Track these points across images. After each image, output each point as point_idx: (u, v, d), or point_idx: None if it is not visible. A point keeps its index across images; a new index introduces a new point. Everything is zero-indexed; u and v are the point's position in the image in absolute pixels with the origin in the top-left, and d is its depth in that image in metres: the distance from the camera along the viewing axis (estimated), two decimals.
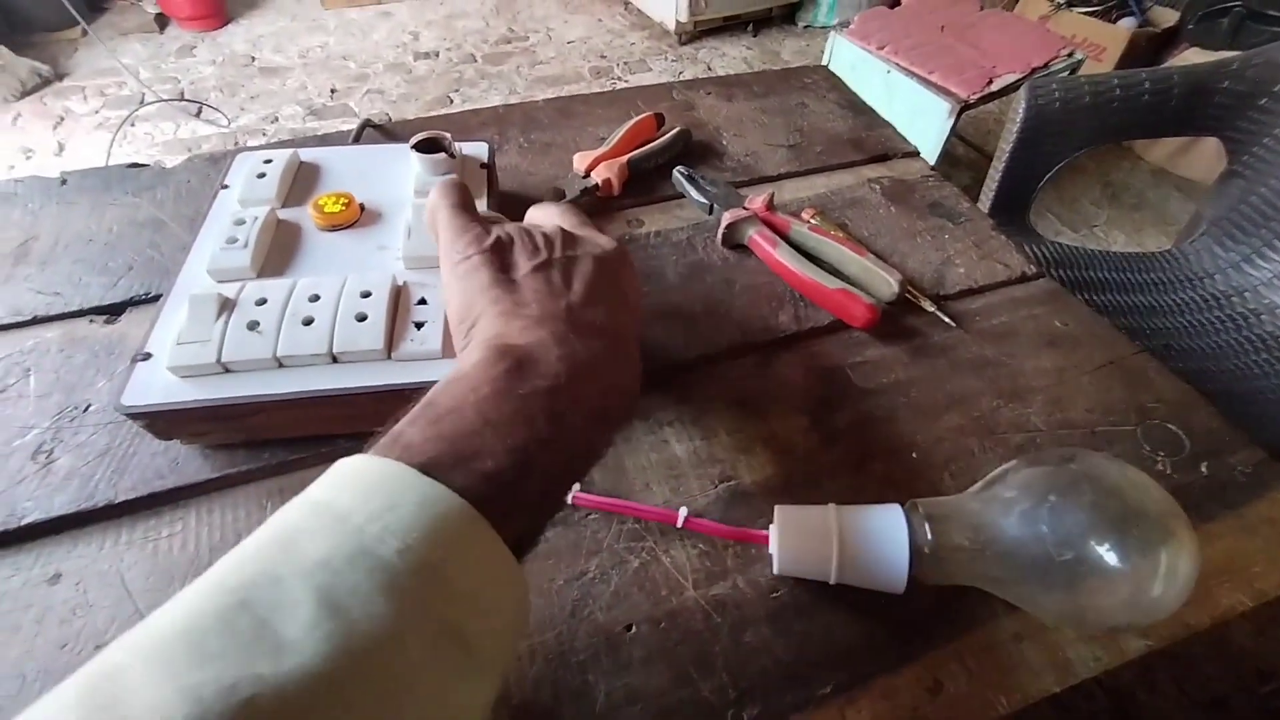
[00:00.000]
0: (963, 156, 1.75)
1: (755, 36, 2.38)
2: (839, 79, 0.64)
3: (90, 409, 0.35)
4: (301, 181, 0.41)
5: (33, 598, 0.29)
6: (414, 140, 0.40)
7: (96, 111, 1.87)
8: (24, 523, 0.30)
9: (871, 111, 0.60)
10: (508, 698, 0.26)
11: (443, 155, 0.40)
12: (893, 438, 0.36)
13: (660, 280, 0.43)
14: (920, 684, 0.27)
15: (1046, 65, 1.25)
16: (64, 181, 0.48)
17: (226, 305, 0.32)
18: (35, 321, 0.39)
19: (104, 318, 0.40)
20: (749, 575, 0.30)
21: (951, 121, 1.23)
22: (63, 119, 1.83)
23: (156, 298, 0.40)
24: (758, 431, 0.36)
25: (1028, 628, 0.29)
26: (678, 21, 2.22)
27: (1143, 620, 0.26)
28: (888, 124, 0.59)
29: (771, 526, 0.29)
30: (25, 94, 1.86)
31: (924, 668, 0.28)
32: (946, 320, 0.42)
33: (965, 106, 1.22)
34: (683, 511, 0.31)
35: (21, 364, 0.37)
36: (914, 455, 0.35)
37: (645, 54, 2.26)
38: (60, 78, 1.97)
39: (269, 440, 0.33)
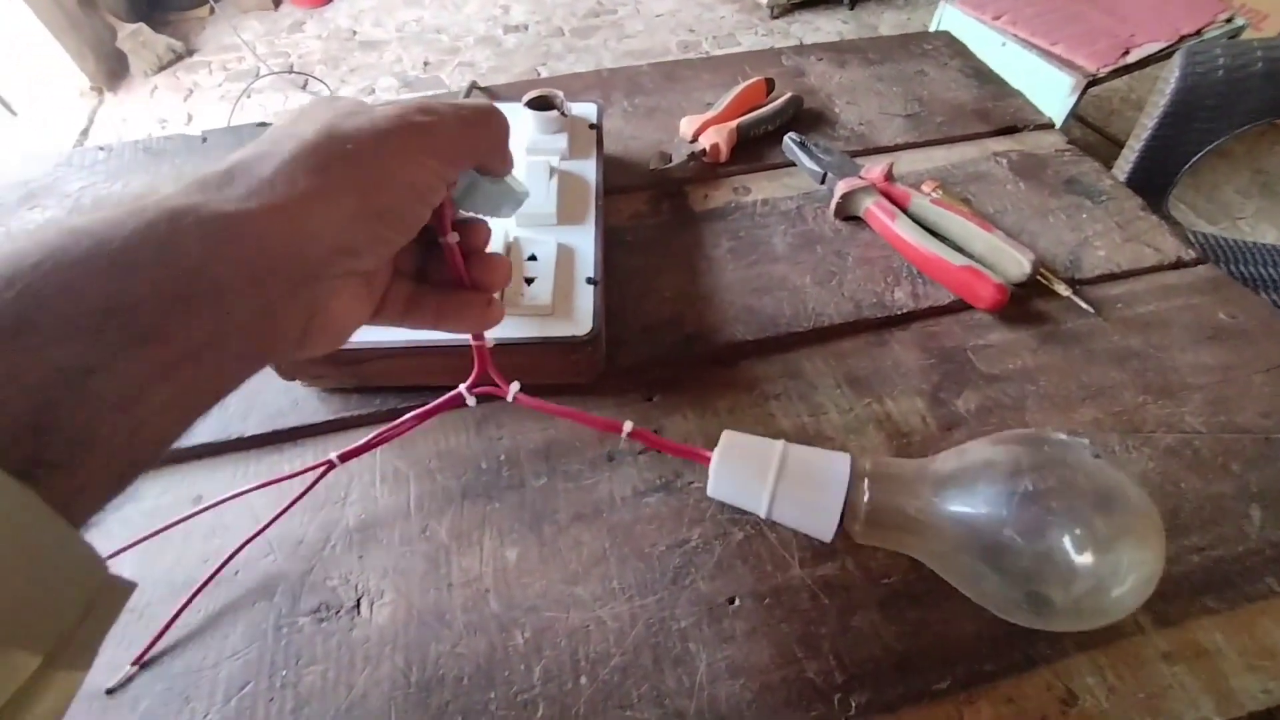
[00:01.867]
0: (1080, 140, 1.60)
1: (852, 10, 2.26)
2: (963, 45, 0.60)
3: None
4: None
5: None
6: (527, 98, 0.40)
7: (219, 84, 2.00)
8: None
9: (999, 80, 0.55)
10: (608, 656, 0.26)
11: (555, 113, 0.39)
12: (1020, 425, 0.33)
13: (768, 249, 0.42)
14: (1051, 692, 0.25)
15: (1199, 33, 1.11)
16: (205, 139, 0.51)
17: None
18: None
19: None
20: (859, 558, 0.29)
21: (1074, 98, 1.12)
22: (192, 91, 1.98)
23: None
24: (870, 412, 0.34)
25: (1182, 648, 0.26)
26: None
27: (1090, 622, 0.24)
28: (1017, 93, 0.54)
29: (716, 448, 0.28)
30: (161, 68, 2.02)
31: (1054, 675, 0.25)
32: (1084, 305, 0.38)
33: (1091, 81, 1.11)
34: (628, 424, 0.29)
35: None
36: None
37: (735, 28, 2.19)
38: (191, 53, 2.13)
39: (380, 387, 0.34)
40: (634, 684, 0.26)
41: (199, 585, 0.28)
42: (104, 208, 0.15)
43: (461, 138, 0.20)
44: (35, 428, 0.13)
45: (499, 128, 0.21)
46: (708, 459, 0.28)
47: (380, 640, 0.27)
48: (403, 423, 0.30)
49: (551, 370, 0.33)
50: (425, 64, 2.10)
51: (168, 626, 0.27)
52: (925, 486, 0.26)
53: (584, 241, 0.35)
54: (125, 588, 0.15)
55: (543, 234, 0.34)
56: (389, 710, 0.25)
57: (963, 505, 0.24)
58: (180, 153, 0.50)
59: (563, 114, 0.40)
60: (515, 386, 0.29)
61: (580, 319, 0.31)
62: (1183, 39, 1.12)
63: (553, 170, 0.37)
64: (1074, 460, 0.25)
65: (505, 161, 0.23)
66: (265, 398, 0.35)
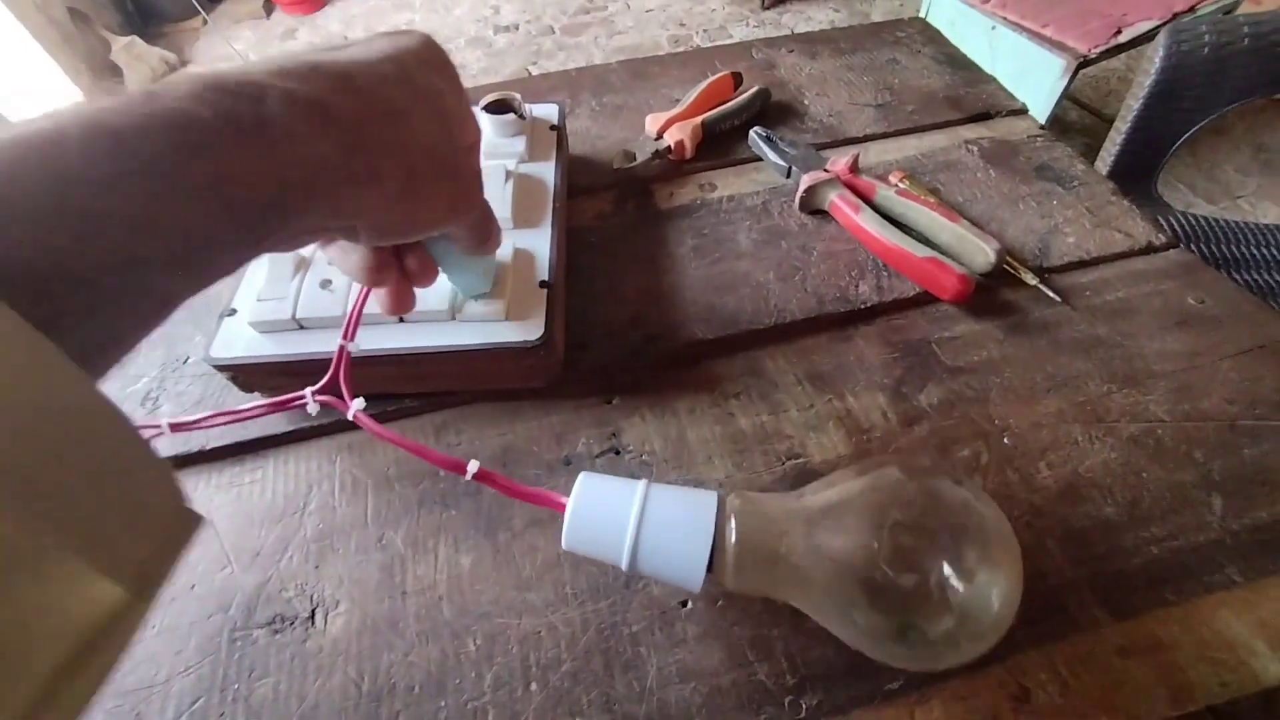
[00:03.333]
0: (1075, 122, 1.58)
1: None
2: (936, 31, 0.59)
3: (188, 361, 0.38)
4: None
5: None
6: (483, 101, 0.40)
7: None
8: None
9: (973, 66, 0.55)
10: (558, 661, 0.26)
11: (511, 116, 0.39)
12: (982, 420, 0.33)
13: (732, 246, 0.41)
14: (1003, 689, 0.25)
15: (1192, 9, 1.09)
16: None
17: (302, 264, 0.33)
18: None
19: None
20: None
21: (1065, 81, 1.11)
22: None
23: None
24: (830, 409, 0.34)
25: (1137, 641, 0.26)
26: None
27: (960, 654, 0.23)
28: (991, 79, 0.53)
29: (571, 494, 0.25)
30: (155, 81, 2.03)
31: (1007, 671, 0.25)
32: (1050, 295, 0.37)
33: (1083, 63, 1.09)
34: (473, 465, 0.25)
35: None
36: (1006, 441, 0.32)
37: (726, 20, 2.18)
38: (184, 64, 2.14)
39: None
40: (584, 690, 0.26)
41: None
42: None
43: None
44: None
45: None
46: (561, 505, 0.25)
47: (333, 651, 0.27)
48: (243, 411, 0.30)
49: (507, 375, 0.33)
50: None
51: None
52: (795, 524, 0.24)
53: (541, 245, 0.35)
54: (197, 519, 0.15)
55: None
56: (340, 719, 0.25)
57: (831, 541, 0.23)
58: None
59: (520, 116, 0.39)
60: (359, 403, 0.27)
61: (531, 324, 0.31)
62: (1176, 16, 1.10)
63: (509, 174, 0.36)
64: (937, 490, 0.24)
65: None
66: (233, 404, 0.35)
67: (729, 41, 2.04)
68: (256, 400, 0.31)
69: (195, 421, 0.29)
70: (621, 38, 2.14)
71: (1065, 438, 0.32)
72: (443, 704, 0.25)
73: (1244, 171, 1.47)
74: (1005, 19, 1.18)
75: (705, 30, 2.14)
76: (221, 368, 0.32)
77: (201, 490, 0.32)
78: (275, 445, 0.34)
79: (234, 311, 0.33)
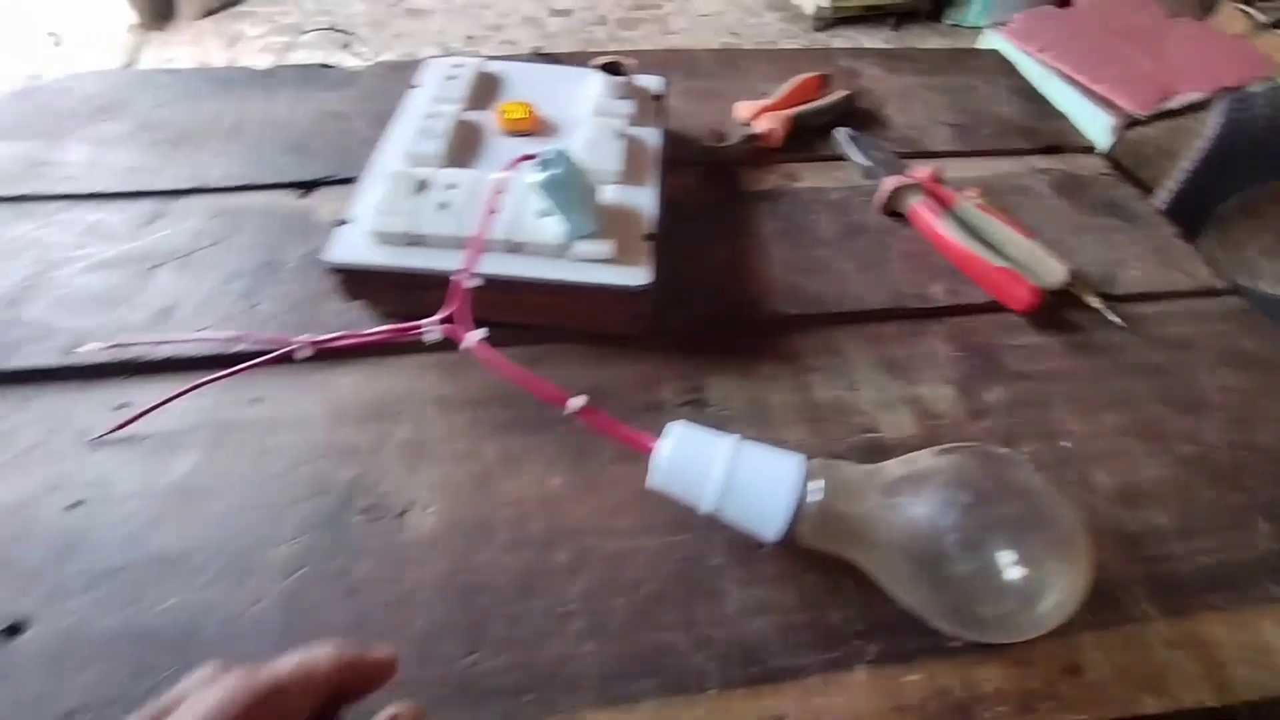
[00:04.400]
0: None
1: (896, 30, 2.27)
2: (1011, 65, 0.61)
3: (286, 267, 0.39)
4: (485, 89, 0.43)
5: (238, 414, 0.32)
6: (598, 61, 0.41)
7: (263, 36, 2.01)
8: (234, 351, 0.34)
9: (1045, 101, 0.57)
10: (643, 582, 0.28)
11: (624, 79, 0.41)
12: (1045, 423, 0.34)
13: (812, 234, 0.43)
14: (1056, 661, 0.26)
15: (1241, 88, 1.13)
16: (272, 74, 0.53)
17: (422, 184, 0.34)
18: (245, 188, 0.43)
19: (299, 191, 0.44)
20: None
21: (1112, 138, 1.14)
22: (235, 40, 1.99)
23: (344, 180, 0.44)
24: (902, 393, 0.35)
25: (1185, 637, 0.27)
26: (818, 5, 2.15)
27: (1015, 633, 0.25)
28: (1063, 116, 0.55)
29: (663, 438, 0.27)
30: (209, 13, 2.04)
31: (1061, 647, 0.27)
32: (1114, 319, 0.39)
33: (1131, 123, 1.12)
34: (575, 401, 0.27)
35: (233, 221, 0.41)
36: (1066, 444, 0.34)
37: (777, 36, 2.21)
38: (237, 2, 2.14)
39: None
40: (667, 609, 0.27)
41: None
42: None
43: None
44: None
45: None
46: (650, 449, 0.27)
47: (427, 545, 0.28)
48: (370, 334, 0.31)
49: (606, 317, 0.34)
50: (469, 38, 2.11)
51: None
52: (873, 493, 0.26)
53: (645, 201, 0.36)
54: None
55: (607, 190, 0.36)
56: (435, 606, 0.27)
57: (904, 514, 0.25)
58: (245, 85, 0.52)
59: (631, 81, 0.41)
60: (476, 334, 0.29)
61: (638, 270, 0.33)
62: (1224, 90, 1.13)
63: (619, 132, 0.38)
64: (1013, 475, 0.25)
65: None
66: (323, 316, 0.36)
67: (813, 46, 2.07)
68: (381, 325, 0.32)
69: (332, 340, 0.31)
70: (673, 38, 2.16)
71: (1122, 450, 0.34)
72: (533, 605, 0.27)
73: (1267, 255, 1.50)
74: (1058, 69, 1.21)
75: (756, 42, 2.17)
76: (336, 270, 0.33)
77: (295, 388, 0.34)
78: (365, 355, 0.35)
79: (350, 220, 0.34)
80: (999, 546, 0.24)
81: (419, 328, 0.30)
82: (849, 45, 2.19)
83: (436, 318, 0.30)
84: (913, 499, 0.25)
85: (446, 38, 2.10)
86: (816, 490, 0.26)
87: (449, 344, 0.32)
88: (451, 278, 0.29)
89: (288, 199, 0.43)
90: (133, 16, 1.87)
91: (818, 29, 2.24)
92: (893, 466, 0.27)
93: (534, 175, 0.30)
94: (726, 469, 0.26)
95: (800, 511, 0.25)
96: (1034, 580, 0.24)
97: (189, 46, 1.94)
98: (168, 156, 0.45)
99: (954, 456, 0.26)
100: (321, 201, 0.43)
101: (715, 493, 0.26)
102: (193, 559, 0.28)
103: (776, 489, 0.25)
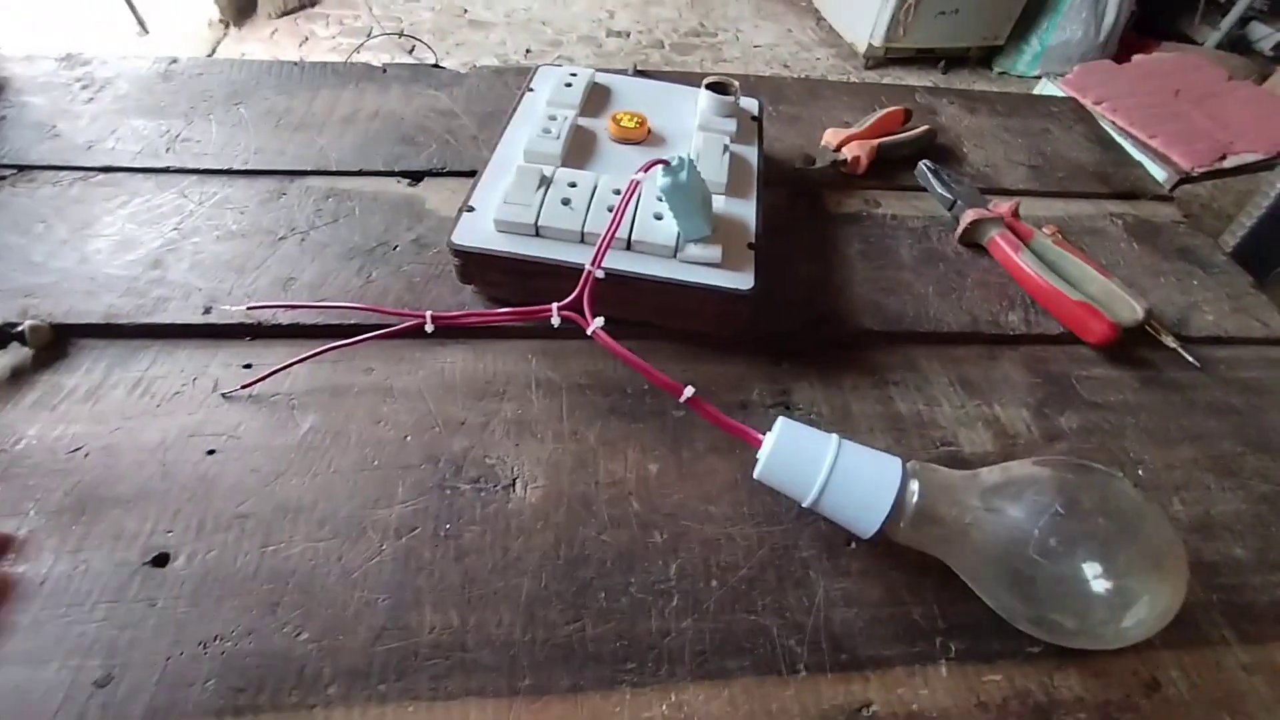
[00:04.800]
0: None
1: (944, 74, 2.30)
2: (1088, 112, 0.63)
3: (397, 248, 0.42)
4: (597, 98, 0.45)
5: (353, 381, 0.35)
6: (707, 81, 0.44)
7: (334, 37, 2.11)
8: (350, 323, 0.37)
9: (1120, 149, 0.58)
10: (736, 566, 0.29)
11: (730, 98, 0.43)
12: (1118, 451, 0.36)
13: (893, 256, 0.45)
14: (1136, 676, 0.27)
15: None
16: (384, 70, 0.56)
17: (544, 180, 0.37)
18: (360, 173, 0.46)
19: (408, 180, 0.47)
20: None
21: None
22: (307, 39, 2.08)
23: (451, 172, 0.47)
24: (980, 412, 0.37)
25: (1261, 663, 0.28)
26: (870, 44, 2.19)
27: (1096, 643, 0.26)
28: (1138, 164, 0.57)
29: (770, 433, 0.29)
30: (286, 13, 2.14)
31: (1140, 662, 0.28)
32: (1189, 359, 0.40)
33: (1184, 179, 1.13)
34: (689, 390, 0.30)
35: (348, 203, 0.44)
36: (1141, 473, 0.35)
37: (828, 72, 2.25)
38: (313, 4, 2.24)
39: None
40: (759, 594, 0.28)
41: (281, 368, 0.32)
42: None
43: None
44: None
45: None
46: (759, 441, 0.29)
47: (533, 516, 0.30)
48: (496, 314, 0.33)
49: (707, 318, 0.36)
50: (527, 51, 2.18)
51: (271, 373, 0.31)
52: (971, 496, 0.27)
53: (748, 212, 0.38)
54: None
55: (715, 200, 0.38)
56: (540, 574, 0.28)
57: (1000, 519, 0.26)
58: (361, 79, 0.55)
59: (735, 100, 0.44)
60: (599, 321, 0.31)
61: (743, 275, 0.35)
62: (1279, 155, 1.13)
63: (725, 147, 0.40)
64: (1112, 490, 0.26)
65: None
66: (434, 297, 0.39)
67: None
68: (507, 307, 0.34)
69: (454, 316, 0.33)
70: (726, 66, 2.21)
71: (1197, 482, 0.34)
72: (632, 580, 0.29)
73: None
74: (1114, 123, 1.23)
75: (807, 75, 2.21)
76: (459, 253, 0.36)
77: (406, 362, 0.36)
78: (472, 337, 0.37)
79: (472, 209, 0.37)
80: (1093, 557, 0.25)
81: (547, 311, 0.32)
82: (897, 83, 2.22)
83: (558, 304, 0.32)
84: (1010, 505, 0.26)
85: (506, 50, 2.17)
86: (915, 492, 0.27)
87: (552, 331, 0.34)
88: (585, 267, 0.31)
89: (398, 186, 0.46)
90: (215, 12, 1.96)
91: (869, 67, 2.27)
92: (990, 473, 0.28)
93: (661, 178, 0.32)
94: (830, 465, 0.27)
95: (898, 511, 0.27)
96: (1126, 593, 0.25)
97: (263, 43, 2.04)
98: (289, 140, 0.48)
99: (1051, 467, 0.27)
100: (429, 191, 0.46)
101: (819, 488, 0.27)
102: (315, 511, 0.30)
103: (878, 488, 0.27)
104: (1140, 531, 0.26)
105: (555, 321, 0.32)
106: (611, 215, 0.33)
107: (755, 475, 0.29)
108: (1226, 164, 1.13)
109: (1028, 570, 0.25)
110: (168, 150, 0.46)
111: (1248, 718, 0.27)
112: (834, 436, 0.28)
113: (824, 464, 0.27)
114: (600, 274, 0.32)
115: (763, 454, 0.28)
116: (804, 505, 0.28)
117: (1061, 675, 0.27)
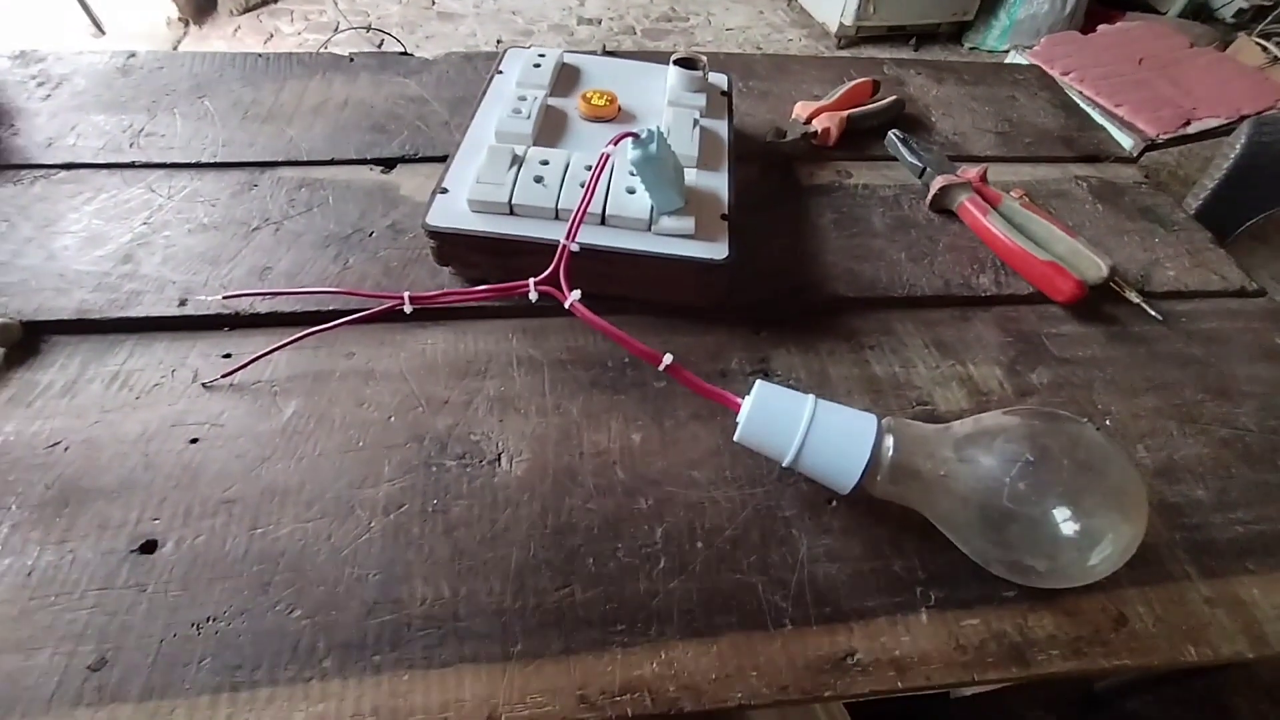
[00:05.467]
0: None
1: (916, 51, 2.31)
2: (1053, 79, 0.64)
3: (373, 234, 0.41)
4: (566, 78, 0.45)
5: (335, 366, 0.35)
6: (675, 57, 0.44)
7: (299, 33, 2.06)
8: (329, 309, 0.37)
9: (1084, 114, 0.60)
10: (721, 529, 0.30)
11: (698, 73, 0.43)
12: (1087, 404, 0.37)
13: (866, 225, 0.45)
14: (1104, 612, 0.29)
15: (1259, 114, 1.16)
16: (352, 59, 0.56)
17: (516, 159, 0.37)
18: (332, 162, 0.46)
19: (380, 168, 0.46)
20: None
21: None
22: (271, 36, 2.04)
23: (423, 158, 0.47)
24: (954, 372, 0.38)
25: (1222, 596, 0.29)
26: (841, 24, 2.19)
27: (1066, 582, 0.27)
28: (1101, 128, 0.58)
29: (748, 396, 0.29)
30: (248, 9, 2.09)
31: (1108, 599, 0.29)
32: (1152, 313, 0.41)
33: (1149, 147, 1.15)
34: (668, 358, 0.30)
35: (321, 192, 0.44)
36: (1108, 423, 0.36)
37: (800, 52, 2.25)
38: (275, 0, 2.20)
39: None
40: (743, 554, 0.29)
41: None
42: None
43: None
44: None
45: None
46: (737, 405, 0.29)
47: (519, 488, 0.31)
48: (474, 292, 0.33)
49: (684, 289, 0.37)
50: (498, 42, 2.16)
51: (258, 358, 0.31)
52: (944, 448, 0.28)
53: (720, 184, 0.39)
54: None
55: (687, 173, 0.38)
56: (529, 543, 0.29)
57: (973, 469, 0.27)
58: (328, 68, 0.54)
59: (704, 75, 0.44)
60: (576, 294, 0.31)
61: (717, 245, 0.35)
62: (1243, 118, 1.16)
63: (695, 121, 0.41)
64: (1077, 435, 0.27)
65: None
66: (411, 280, 0.39)
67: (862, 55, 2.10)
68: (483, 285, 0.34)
69: (432, 296, 0.33)
70: (699, 50, 2.21)
71: (1161, 430, 0.36)
72: (619, 546, 0.29)
73: (1278, 280, 1.52)
74: (1081, 93, 1.25)
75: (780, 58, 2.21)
76: (434, 234, 0.36)
77: (387, 345, 0.36)
78: (454, 317, 0.38)
79: (446, 190, 0.37)
80: (1062, 500, 0.26)
81: (524, 287, 0.32)
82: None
83: (535, 279, 0.32)
84: (982, 454, 0.27)
85: (476, 41, 2.15)
86: (890, 446, 0.28)
87: (532, 309, 0.35)
88: (560, 242, 0.31)
89: (371, 174, 0.46)
90: (173, 10, 1.92)
91: (841, 47, 2.28)
92: (961, 425, 0.29)
93: (631, 151, 0.32)
94: (808, 425, 0.28)
95: (874, 465, 0.28)
96: (1093, 532, 0.26)
97: (225, 41, 1.99)
98: (258, 131, 0.48)
99: (1020, 415, 0.28)
100: (403, 177, 0.46)
101: (797, 447, 0.28)
102: (302, 493, 0.30)
103: (854, 444, 0.28)
104: (1104, 472, 0.27)
105: (533, 296, 0.32)
106: (586, 190, 0.33)
107: (735, 438, 0.29)
108: (1190, 130, 1.15)
109: (1000, 515, 0.26)
110: (131, 145, 0.45)
111: (1210, 646, 0.28)
112: (810, 396, 0.29)
113: (801, 423, 0.28)
114: (575, 247, 0.32)
115: (741, 417, 0.29)
116: (784, 465, 0.29)
117: (1035, 616, 0.28)
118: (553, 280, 0.32)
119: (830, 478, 0.29)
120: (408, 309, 0.33)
